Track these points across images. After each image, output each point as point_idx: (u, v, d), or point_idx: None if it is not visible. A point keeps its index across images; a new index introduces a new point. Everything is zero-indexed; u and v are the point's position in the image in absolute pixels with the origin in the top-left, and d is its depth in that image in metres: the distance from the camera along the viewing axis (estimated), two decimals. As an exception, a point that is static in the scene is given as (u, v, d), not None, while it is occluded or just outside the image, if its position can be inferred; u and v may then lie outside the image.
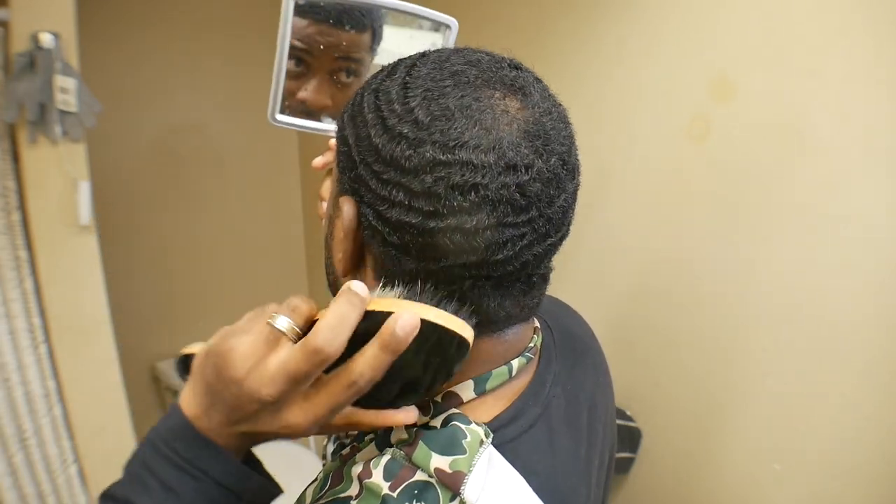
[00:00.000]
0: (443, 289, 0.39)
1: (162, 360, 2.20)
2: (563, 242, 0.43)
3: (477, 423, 0.42)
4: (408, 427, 0.43)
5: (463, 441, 0.40)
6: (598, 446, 0.56)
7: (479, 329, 0.42)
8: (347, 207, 0.41)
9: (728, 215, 1.12)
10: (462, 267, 0.39)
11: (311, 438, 2.50)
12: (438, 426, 0.42)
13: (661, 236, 1.24)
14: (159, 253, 2.20)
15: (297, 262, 2.60)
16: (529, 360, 0.48)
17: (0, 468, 1.38)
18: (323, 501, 0.43)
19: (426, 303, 0.37)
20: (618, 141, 1.29)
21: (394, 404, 0.41)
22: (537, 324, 0.53)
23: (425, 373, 0.38)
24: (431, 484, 0.39)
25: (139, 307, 2.12)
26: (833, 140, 0.96)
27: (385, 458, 0.41)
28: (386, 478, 0.40)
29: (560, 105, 0.42)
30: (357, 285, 0.37)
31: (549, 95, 0.41)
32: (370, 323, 0.36)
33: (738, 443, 1.15)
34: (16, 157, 1.35)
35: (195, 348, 0.49)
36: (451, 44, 0.64)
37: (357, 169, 0.40)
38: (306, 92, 0.64)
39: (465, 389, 0.44)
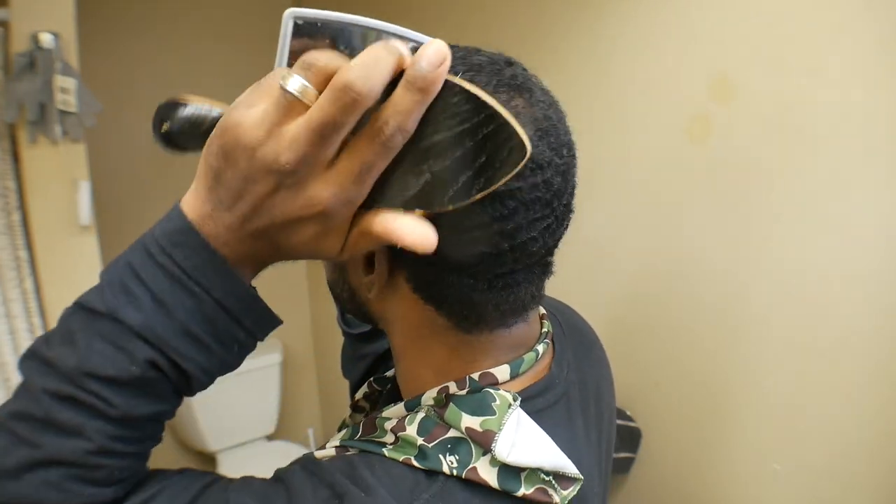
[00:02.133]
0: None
1: (162, 360, 2.20)
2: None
3: (505, 390, 0.42)
4: (439, 393, 0.43)
5: (492, 404, 0.41)
6: (605, 435, 0.57)
7: (515, 317, 0.44)
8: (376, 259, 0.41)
9: (728, 215, 1.12)
10: (502, 264, 0.39)
11: (311, 439, 2.49)
12: (466, 394, 0.42)
13: (660, 236, 1.24)
14: (159, 253, 2.20)
15: (297, 261, 2.59)
16: (548, 345, 0.50)
17: None
18: (357, 443, 0.43)
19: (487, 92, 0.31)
20: (618, 140, 1.29)
21: (416, 203, 0.34)
22: (543, 310, 0.54)
23: (463, 169, 0.32)
24: (464, 439, 0.40)
25: (139, 307, 2.12)
26: (833, 140, 0.96)
27: (420, 416, 0.42)
28: (420, 433, 0.41)
29: (551, 93, 0.42)
30: (396, 42, 0.32)
31: (544, 86, 0.41)
32: None
33: (738, 443, 1.15)
34: (16, 157, 1.35)
35: (187, 97, 0.42)
36: None
37: None
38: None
39: (502, 372, 0.45)
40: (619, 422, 1.30)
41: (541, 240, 0.39)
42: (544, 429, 0.43)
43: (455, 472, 0.39)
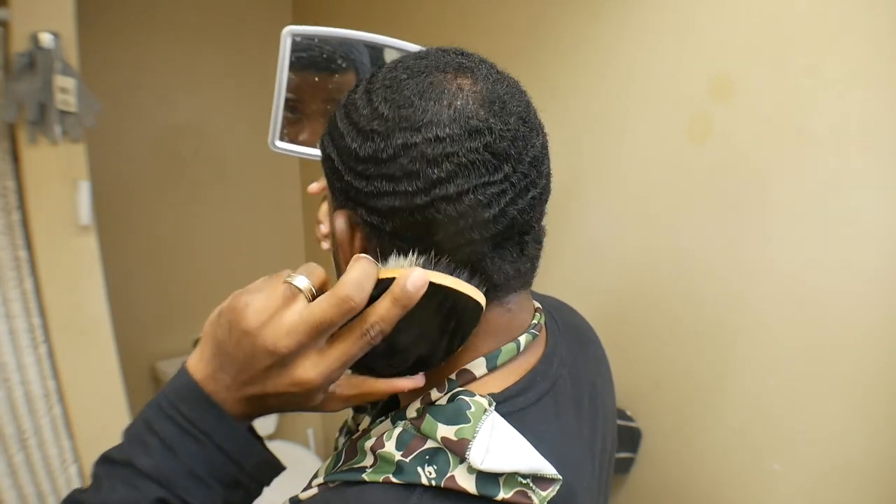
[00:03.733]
0: (445, 261, 0.42)
1: (162, 360, 2.20)
2: (548, 199, 0.47)
3: (481, 395, 0.43)
4: (421, 404, 0.45)
5: (467, 412, 0.42)
6: (600, 431, 0.57)
7: (489, 299, 0.45)
8: (339, 220, 0.45)
9: (728, 215, 1.12)
10: (457, 234, 0.41)
11: (311, 439, 2.49)
12: (445, 403, 0.44)
13: (660, 236, 1.24)
14: (159, 253, 2.20)
15: (297, 261, 2.59)
16: (535, 336, 0.50)
17: (0, 468, 1.38)
18: (339, 473, 0.44)
19: (441, 272, 0.40)
20: (617, 140, 1.29)
21: (414, 370, 0.43)
22: (538, 304, 0.54)
23: (442, 337, 0.41)
24: (441, 449, 0.41)
25: (139, 307, 2.12)
26: (833, 140, 0.96)
27: (397, 431, 0.44)
28: (398, 447, 0.42)
29: (510, 77, 0.45)
30: (367, 257, 0.40)
31: (498, 71, 0.45)
32: (382, 290, 0.39)
33: (737, 443, 1.15)
34: (16, 157, 1.35)
35: None
36: None
37: (343, 178, 0.43)
38: (305, 136, 0.70)
39: (478, 367, 0.46)
40: (619, 422, 1.30)
41: (495, 206, 0.41)
42: (527, 426, 0.44)
43: (434, 483, 0.40)
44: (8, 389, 1.37)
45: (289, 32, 0.62)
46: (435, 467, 0.41)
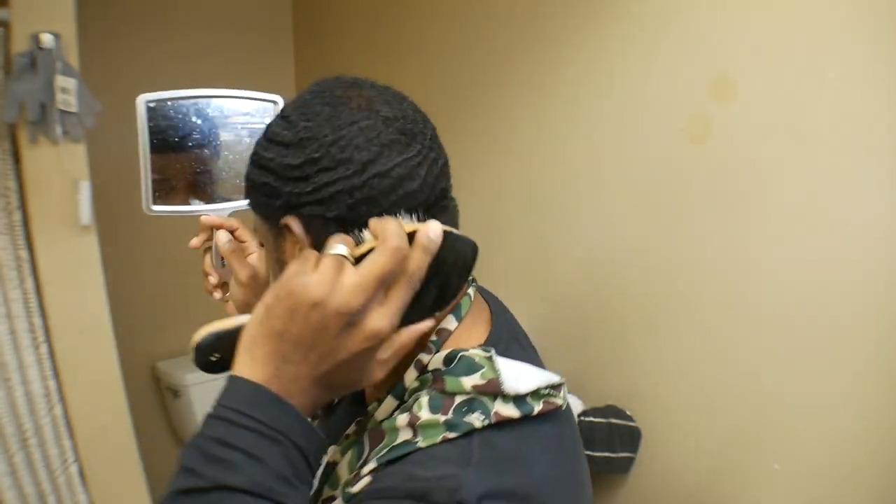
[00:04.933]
0: None
1: (162, 360, 2.20)
2: (449, 167, 0.54)
3: (473, 349, 0.51)
4: (416, 370, 0.52)
5: (476, 361, 0.49)
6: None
7: None
8: (295, 224, 0.49)
9: (728, 215, 1.12)
10: (392, 207, 0.48)
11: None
12: (443, 365, 0.50)
13: (659, 236, 1.24)
14: (159, 253, 2.20)
15: (298, 262, 2.60)
16: (476, 287, 0.59)
17: (0, 468, 1.38)
18: (381, 458, 0.47)
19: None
20: (617, 140, 1.29)
21: (431, 311, 0.49)
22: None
23: (451, 276, 0.48)
24: (474, 397, 0.48)
25: (139, 307, 2.12)
26: (833, 140, 0.96)
27: (424, 399, 0.48)
28: (434, 411, 0.47)
29: (386, 88, 0.54)
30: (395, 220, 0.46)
31: (378, 83, 0.54)
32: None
33: (737, 442, 1.15)
34: (16, 158, 1.35)
35: (210, 328, 0.50)
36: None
37: (283, 192, 0.49)
38: (178, 198, 0.76)
39: (449, 322, 0.53)
40: (620, 422, 1.31)
41: (417, 178, 0.48)
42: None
43: (485, 423, 0.46)
44: (8, 389, 1.37)
45: (142, 101, 0.67)
46: (479, 411, 0.46)
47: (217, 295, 0.77)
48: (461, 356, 0.49)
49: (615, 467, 1.30)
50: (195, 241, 0.76)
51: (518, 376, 0.48)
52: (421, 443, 0.46)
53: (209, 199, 0.76)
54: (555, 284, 1.27)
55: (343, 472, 0.52)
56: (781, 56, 1.01)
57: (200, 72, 2.26)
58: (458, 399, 0.47)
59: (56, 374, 1.43)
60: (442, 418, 0.46)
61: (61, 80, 1.27)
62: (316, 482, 0.54)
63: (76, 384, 1.45)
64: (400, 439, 0.47)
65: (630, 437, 1.30)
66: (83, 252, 1.43)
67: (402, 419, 0.48)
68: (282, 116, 0.51)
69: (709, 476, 1.20)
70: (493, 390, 0.47)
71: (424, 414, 0.47)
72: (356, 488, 0.47)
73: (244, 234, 0.77)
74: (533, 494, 0.45)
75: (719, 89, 1.10)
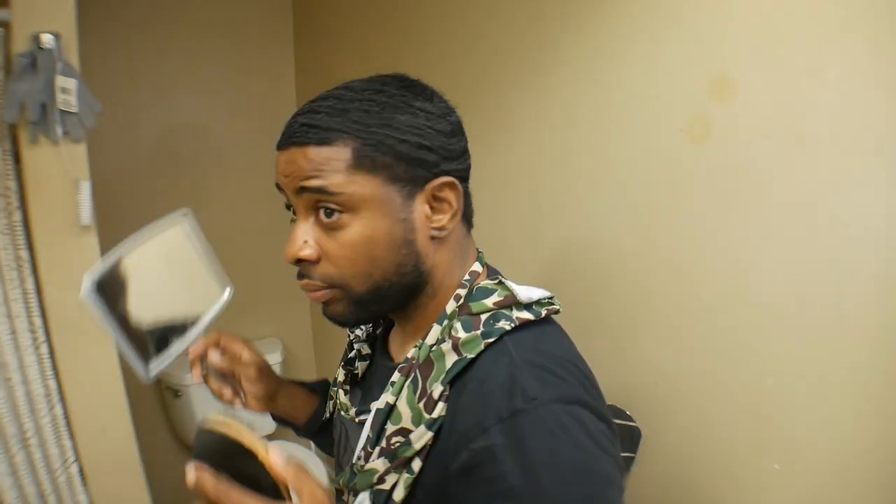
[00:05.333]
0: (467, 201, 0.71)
1: (162, 360, 2.20)
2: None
3: (483, 281, 0.68)
4: (455, 303, 0.66)
5: (489, 287, 0.66)
6: None
7: (468, 221, 0.73)
8: (453, 193, 0.67)
9: (727, 215, 1.12)
10: (466, 171, 0.70)
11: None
12: (466, 293, 0.67)
13: (659, 236, 1.24)
14: (160, 253, 2.20)
15: (298, 262, 2.59)
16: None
17: (1, 468, 1.38)
18: (443, 383, 0.59)
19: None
20: (617, 141, 1.29)
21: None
22: None
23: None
24: (495, 311, 0.63)
25: (140, 307, 2.12)
26: (833, 140, 0.96)
27: (458, 324, 0.62)
28: (468, 329, 0.61)
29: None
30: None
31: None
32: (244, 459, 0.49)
33: (737, 442, 1.15)
34: (17, 158, 1.35)
35: (218, 423, 0.52)
36: (194, 227, 0.84)
37: (429, 154, 0.64)
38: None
39: (479, 266, 0.71)
40: (620, 422, 1.30)
41: (468, 156, 0.72)
42: None
43: (511, 326, 0.61)
44: (9, 389, 1.38)
45: (88, 280, 0.66)
46: (503, 319, 0.62)
47: (238, 404, 0.82)
48: (477, 287, 0.66)
49: (615, 467, 1.30)
50: (196, 377, 0.80)
51: (528, 289, 0.65)
52: (468, 355, 0.59)
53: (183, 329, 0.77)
54: (554, 284, 1.27)
55: (404, 407, 0.61)
56: (781, 56, 1.01)
57: (202, 71, 2.26)
58: (484, 316, 0.62)
59: (56, 374, 1.43)
60: (477, 333, 0.60)
61: (62, 81, 1.27)
62: (368, 430, 0.65)
63: (76, 384, 1.46)
64: (450, 361, 0.60)
65: (630, 438, 1.30)
66: (83, 252, 1.43)
67: (445, 346, 0.61)
68: (398, 101, 0.66)
69: (709, 476, 1.20)
70: (511, 302, 0.63)
71: (462, 334, 0.61)
72: (435, 413, 0.58)
73: (227, 340, 0.82)
74: (570, 357, 0.61)
75: (719, 89, 1.10)
